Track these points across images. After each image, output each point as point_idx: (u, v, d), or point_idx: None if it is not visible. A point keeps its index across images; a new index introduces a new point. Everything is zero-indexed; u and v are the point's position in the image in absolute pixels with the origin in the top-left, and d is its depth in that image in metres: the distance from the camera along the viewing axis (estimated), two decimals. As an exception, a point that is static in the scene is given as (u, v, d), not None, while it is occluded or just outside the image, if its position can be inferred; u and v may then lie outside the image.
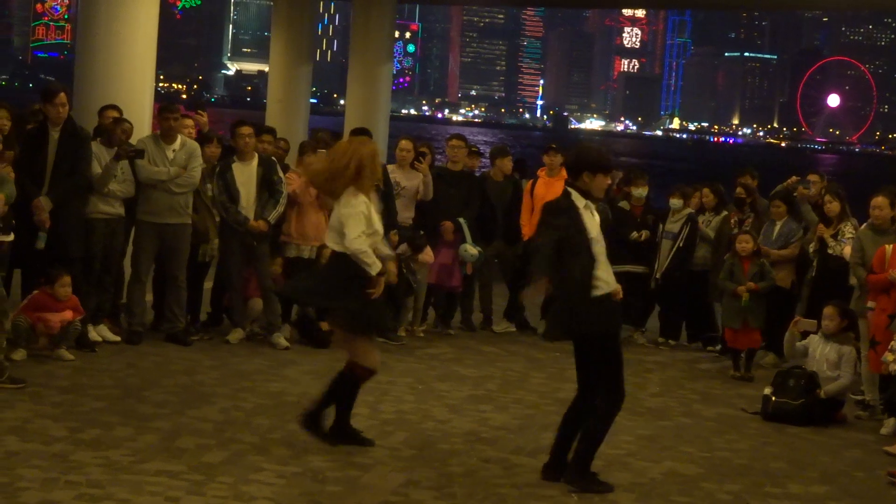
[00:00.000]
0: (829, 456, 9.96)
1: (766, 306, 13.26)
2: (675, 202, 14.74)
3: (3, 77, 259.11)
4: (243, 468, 8.16)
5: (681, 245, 14.54)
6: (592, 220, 8.33)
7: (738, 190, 14.84)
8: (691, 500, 8.31)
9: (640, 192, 14.89)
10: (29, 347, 11.03)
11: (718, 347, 14.27)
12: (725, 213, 14.70)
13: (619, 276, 14.76)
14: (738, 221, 14.47)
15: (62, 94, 11.53)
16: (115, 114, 12.42)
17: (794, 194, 14.15)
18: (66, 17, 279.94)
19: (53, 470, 7.78)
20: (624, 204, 15.00)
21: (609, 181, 8.87)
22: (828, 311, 11.57)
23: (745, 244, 13.35)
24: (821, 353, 11.44)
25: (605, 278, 8.33)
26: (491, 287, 14.91)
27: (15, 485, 7.43)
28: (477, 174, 15.17)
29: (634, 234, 14.64)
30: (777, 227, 13.92)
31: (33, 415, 9.14)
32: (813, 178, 14.51)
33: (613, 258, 14.87)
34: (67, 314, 11.14)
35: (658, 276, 14.67)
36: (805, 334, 11.76)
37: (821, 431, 10.80)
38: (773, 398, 11.12)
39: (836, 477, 9.28)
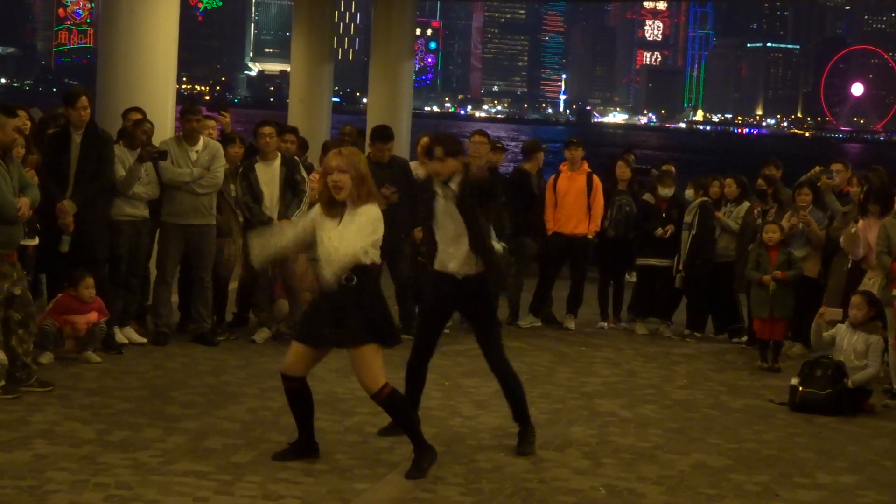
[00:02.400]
0: (857, 445, 9.91)
1: (793, 297, 13.20)
2: (689, 193, 14.77)
3: (28, 82, 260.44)
4: (271, 467, 8.17)
5: (694, 233, 14.50)
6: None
7: (760, 181, 14.80)
8: (720, 492, 8.28)
9: (667, 192, 14.91)
10: (56, 350, 11.07)
11: (745, 339, 14.23)
12: (748, 203, 14.65)
13: (644, 270, 15.01)
14: (760, 212, 14.42)
15: (84, 98, 11.57)
16: (138, 116, 12.46)
17: (819, 184, 14.08)
18: (88, 21, 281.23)
19: (82, 472, 7.81)
20: (649, 196, 14.99)
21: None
22: (855, 300, 11.52)
23: (772, 234, 13.31)
24: (848, 342, 11.38)
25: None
26: (518, 282, 14.89)
27: (44, 487, 7.46)
28: (501, 170, 15.16)
29: (659, 231, 14.63)
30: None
31: (62, 417, 9.17)
32: (837, 167, 14.44)
33: (638, 251, 15.02)
34: (93, 316, 11.19)
35: (680, 267, 14.62)
36: (832, 324, 11.73)
37: (849, 421, 10.76)
38: (801, 388, 11.08)
39: (865, 466, 9.24)
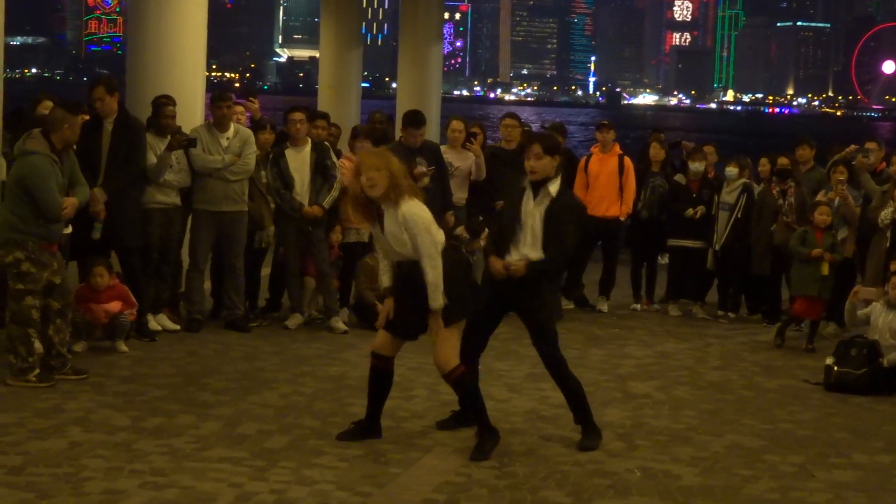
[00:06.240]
0: (893, 425, 9.86)
1: (833, 279, 13.09)
2: (731, 171, 14.61)
3: (58, 72, 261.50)
4: (305, 452, 8.18)
5: (738, 216, 14.42)
6: None
7: (781, 160, 14.63)
8: (755, 473, 8.24)
9: (697, 166, 14.79)
10: (88, 339, 11.09)
11: (782, 320, 14.10)
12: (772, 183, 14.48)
13: (676, 251, 14.94)
14: (780, 192, 14.30)
15: (99, 88, 11.55)
16: (167, 103, 12.41)
17: (854, 163, 13.98)
18: (117, 10, 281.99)
19: (117, 459, 7.83)
20: (680, 177, 14.93)
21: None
22: (894, 279, 11.42)
23: (824, 216, 13.13)
24: (884, 321, 11.30)
25: None
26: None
27: (79, 475, 7.49)
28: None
29: (690, 211, 14.55)
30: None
31: (96, 405, 9.20)
32: (871, 145, 14.32)
33: (670, 233, 14.94)
34: (113, 305, 11.09)
35: (717, 248, 14.55)
36: (866, 303, 11.65)
37: (884, 400, 10.70)
38: (836, 368, 11.01)
39: (902, 446, 9.19)
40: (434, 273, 8.12)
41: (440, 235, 8.26)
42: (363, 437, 8.51)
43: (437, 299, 8.14)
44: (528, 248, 8.59)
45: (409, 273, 8.28)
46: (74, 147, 10.33)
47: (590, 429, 8.78)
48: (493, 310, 8.81)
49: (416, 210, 8.17)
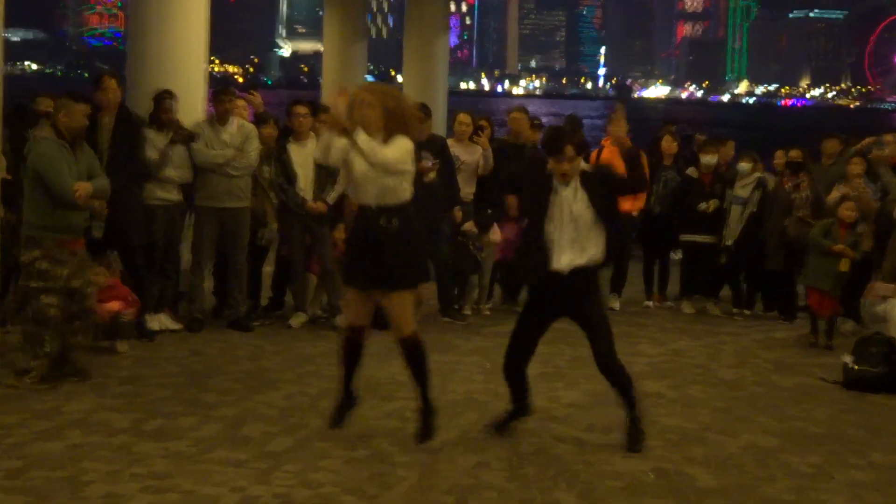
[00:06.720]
0: (912, 424, 9.81)
1: (848, 278, 13.00)
2: (744, 166, 14.56)
3: (59, 67, 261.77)
4: (310, 454, 8.14)
5: (753, 210, 14.36)
6: None
7: (793, 153, 14.56)
8: (770, 473, 8.19)
9: (709, 159, 14.72)
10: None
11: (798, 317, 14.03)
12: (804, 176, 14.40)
13: (689, 247, 14.88)
14: (793, 186, 14.24)
15: (108, 79, 11.54)
16: (167, 97, 12.39)
17: (870, 156, 13.91)
18: (118, 4, 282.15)
19: (117, 462, 7.80)
20: (692, 171, 14.86)
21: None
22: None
23: (850, 211, 13.01)
24: (901, 317, 11.25)
25: None
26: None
27: (79, 478, 7.45)
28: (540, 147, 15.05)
29: (702, 206, 14.49)
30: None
31: (96, 406, 9.17)
32: (888, 138, 14.25)
33: (683, 228, 14.87)
34: (114, 305, 11.08)
35: (729, 243, 14.49)
36: (883, 299, 11.59)
37: (903, 399, 10.65)
38: (854, 366, 10.96)
39: (921, 445, 9.14)
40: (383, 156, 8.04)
41: (410, 182, 8.23)
42: (347, 411, 8.64)
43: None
44: (569, 241, 8.32)
45: (371, 220, 8.19)
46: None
47: (637, 430, 8.67)
48: (545, 316, 8.63)
49: (405, 144, 8.15)
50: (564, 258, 8.34)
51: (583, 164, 8.52)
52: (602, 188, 8.41)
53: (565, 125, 8.36)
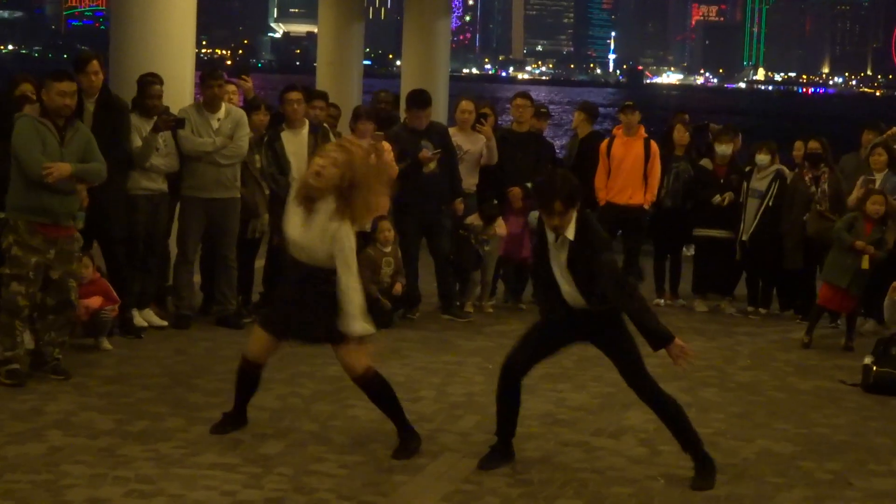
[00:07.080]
0: (937, 430, 9.85)
1: (869, 276, 13.00)
2: (762, 158, 14.56)
3: (36, 48, 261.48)
4: (303, 458, 8.18)
5: (770, 204, 14.38)
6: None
7: (812, 144, 14.55)
8: (787, 481, 8.23)
9: (724, 149, 14.75)
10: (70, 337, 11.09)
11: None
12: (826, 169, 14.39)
13: (703, 242, 14.91)
14: (812, 178, 14.26)
15: (94, 62, 11.51)
16: (154, 81, 12.38)
17: (895, 146, 13.94)
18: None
19: (100, 465, 7.83)
20: (706, 163, 14.89)
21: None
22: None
23: (877, 206, 13.02)
24: (925, 318, 11.29)
25: None
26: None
27: (60, 482, 7.48)
28: (546, 135, 15.10)
29: (717, 198, 14.51)
30: (878, 180, 13.68)
31: (78, 407, 9.20)
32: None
33: (696, 222, 14.89)
34: (93, 301, 11.06)
35: (745, 238, 14.51)
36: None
37: (928, 403, 10.69)
38: (875, 368, 11.00)
39: (947, 452, 9.18)
40: (354, 305, 8.12)
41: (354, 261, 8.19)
42: (233, 428, 8.67)
43: (356, 328, 8.18)
44: (575, 290, 8.16)
45: (310, 276, 8.29)
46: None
47: (701, 461, 8.20)
48: (563, 337, 8.54)
49: (345, 235, 8.12)
50: (572, 299, 8.22)
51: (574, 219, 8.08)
52: (586, 248, 8.05)
53: (555, 177, 8.08)
